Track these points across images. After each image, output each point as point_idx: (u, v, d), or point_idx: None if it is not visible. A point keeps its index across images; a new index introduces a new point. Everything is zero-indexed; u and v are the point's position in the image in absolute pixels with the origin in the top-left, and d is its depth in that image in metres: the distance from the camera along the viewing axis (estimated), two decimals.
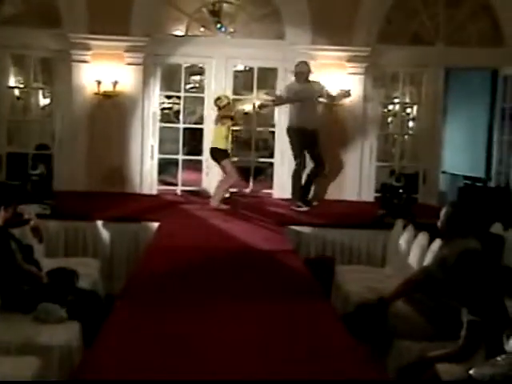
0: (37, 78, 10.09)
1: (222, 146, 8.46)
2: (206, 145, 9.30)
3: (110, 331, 3.98)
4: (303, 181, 8.74)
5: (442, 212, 4.68)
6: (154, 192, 9.68)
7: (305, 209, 8.50)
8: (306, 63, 8.68)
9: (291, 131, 8.65)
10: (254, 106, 9.93)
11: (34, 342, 4.08)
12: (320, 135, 8.69)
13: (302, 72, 8.60)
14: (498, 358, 3.19)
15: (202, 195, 9.47)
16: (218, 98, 8.69)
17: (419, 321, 4.34)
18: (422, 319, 4.33)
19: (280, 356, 3.66)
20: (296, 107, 8.61)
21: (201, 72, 10.93)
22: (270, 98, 9.58)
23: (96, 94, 9.16)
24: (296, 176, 8.65)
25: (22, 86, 10.29)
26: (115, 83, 9.14)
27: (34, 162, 8.24)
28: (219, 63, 9.59)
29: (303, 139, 8.55)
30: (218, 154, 8.49)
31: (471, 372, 3.15)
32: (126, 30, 9.09)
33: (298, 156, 8.61)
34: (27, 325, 4.35)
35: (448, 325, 4.10)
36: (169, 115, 13.63)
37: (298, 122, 8.55)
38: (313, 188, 9.04)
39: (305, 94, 8.49)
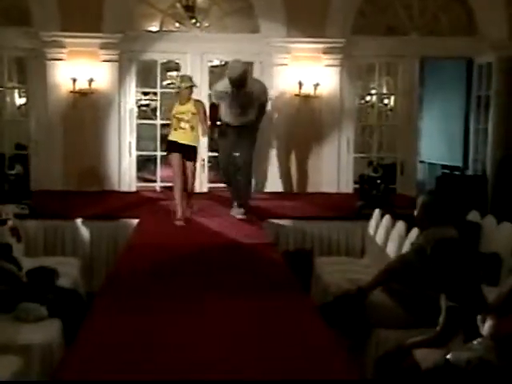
0: (11, 77, 10.00)
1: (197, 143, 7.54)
2: None
3: (90, 329, 3.97)
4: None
5: (419, 201, 4.70)
6: (133, 189, 9.64)
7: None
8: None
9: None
10: None
11: (14, 342, 4.05)
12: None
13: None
14: (474, 342, 3.25)
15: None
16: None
17: (397, 310, 4.36)
18: (400, 308, 4.36)
19: (256, 352, 3.66)
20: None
21: (177, 68, 10.86)
22: None
23: (71, 92, 9.10)
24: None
25: None
26: (91, 81, 9.08)
27: (11, 162, 8.18)
28: (194, 58, 9.55)
29: None
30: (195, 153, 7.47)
31: (448, 357, 3.19)
32: (99, 26, 9.03)
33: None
34: (7, 324, 4.32)
35: (425, 313, 4.13)
36: (146, 112, 13.54)
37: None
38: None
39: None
